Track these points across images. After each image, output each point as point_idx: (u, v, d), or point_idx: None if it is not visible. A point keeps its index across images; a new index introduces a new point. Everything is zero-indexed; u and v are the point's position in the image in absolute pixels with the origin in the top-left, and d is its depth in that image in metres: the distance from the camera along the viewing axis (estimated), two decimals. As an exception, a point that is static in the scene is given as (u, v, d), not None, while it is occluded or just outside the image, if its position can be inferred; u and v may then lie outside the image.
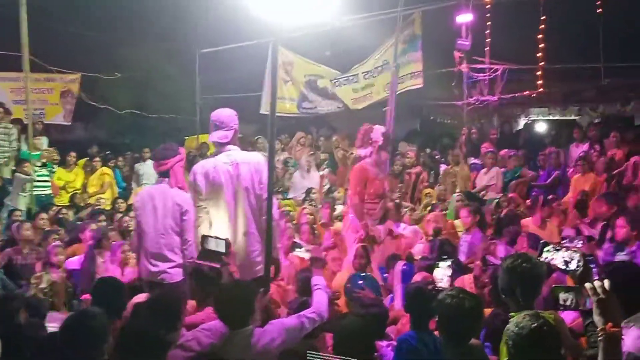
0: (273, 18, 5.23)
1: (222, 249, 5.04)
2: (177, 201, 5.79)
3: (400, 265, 6.45)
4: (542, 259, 3.79)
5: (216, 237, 5.12)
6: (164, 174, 5.94)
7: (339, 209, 10.04)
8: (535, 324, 3.09)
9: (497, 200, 10.42)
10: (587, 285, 3.00)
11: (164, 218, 5.79)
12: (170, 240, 5.80)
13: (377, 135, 7.72)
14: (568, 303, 3.25)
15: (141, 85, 16.00)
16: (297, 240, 8.19)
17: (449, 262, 5.61)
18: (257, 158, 5.74)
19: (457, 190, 11.06)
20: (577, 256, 3.69)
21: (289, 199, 11.41)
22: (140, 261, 5.95)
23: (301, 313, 4.66)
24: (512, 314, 3.65)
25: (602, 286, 2.95)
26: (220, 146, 5.68)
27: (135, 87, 15.88)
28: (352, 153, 12.40)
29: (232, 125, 5.67)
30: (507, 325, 3.47)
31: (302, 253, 7.54)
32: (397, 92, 12.77)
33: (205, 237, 5.17)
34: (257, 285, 4.89)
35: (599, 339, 2.85)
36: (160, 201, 5.83)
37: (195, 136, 15.00)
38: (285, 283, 6.64)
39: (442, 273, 5.49)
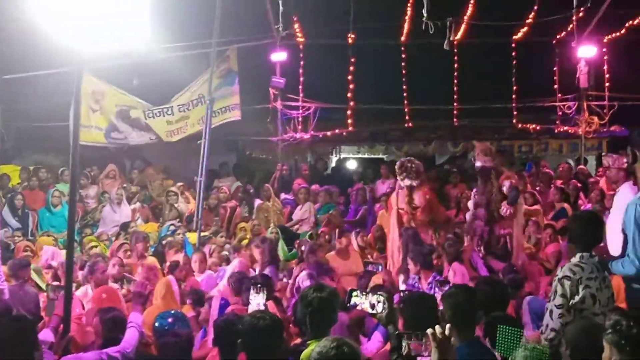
0: (78, 45, 5.08)
1: None
2: None
3: (218, 300, 6.41)
4: (350, 305, 3.94)
5: None
6: None
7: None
8: (335, 352, 3.19)
9: (309, 233, 10.74)
10: (429, 331, 3.18)
11: None
12: None
13: None
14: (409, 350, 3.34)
15: None
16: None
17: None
18: None
19: (272, 225, 11.23)
20: (382, 299, 3.82)
21: (93, 235, 10.82)
22: None
23: (104, 350, 4.48)
24: (309, 342, 3.75)
25: (442, 332, 3.15)
26: None
27: None
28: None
29: None
30: (306, 352, 3.56)
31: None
32: (215, 125, 12.77)
33: None
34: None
35: None
36: None
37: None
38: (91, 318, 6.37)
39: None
